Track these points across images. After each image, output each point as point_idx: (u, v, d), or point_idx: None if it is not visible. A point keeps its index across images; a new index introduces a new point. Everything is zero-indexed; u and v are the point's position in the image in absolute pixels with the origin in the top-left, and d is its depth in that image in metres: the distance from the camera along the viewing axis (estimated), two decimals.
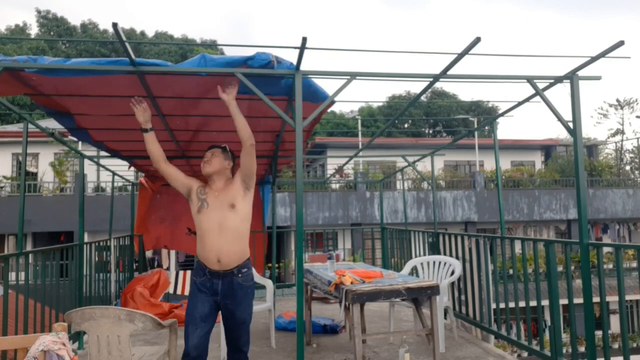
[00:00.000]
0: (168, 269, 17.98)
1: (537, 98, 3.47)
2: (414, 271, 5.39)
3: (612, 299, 13.23)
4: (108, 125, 4.18)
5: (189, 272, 8.68)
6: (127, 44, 2.65)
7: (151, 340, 5.19)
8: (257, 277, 5.11)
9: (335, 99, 3.25)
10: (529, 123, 64.77)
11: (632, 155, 32.97)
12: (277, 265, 14.37)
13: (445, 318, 5.09)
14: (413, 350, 4.37)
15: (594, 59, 3.09)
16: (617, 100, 33.36)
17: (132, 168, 6.13)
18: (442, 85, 37.85)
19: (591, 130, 63.16)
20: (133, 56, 2.77)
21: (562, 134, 30.78)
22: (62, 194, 18.06)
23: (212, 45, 38.31)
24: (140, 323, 2.71)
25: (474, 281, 5.00)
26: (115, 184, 11.39)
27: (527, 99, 3.83)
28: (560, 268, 14.42)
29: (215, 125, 4.26)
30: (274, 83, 3.21)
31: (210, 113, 3.86)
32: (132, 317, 2.69)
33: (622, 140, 32.31)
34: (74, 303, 4.97)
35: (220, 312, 2.97)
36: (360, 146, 21.70)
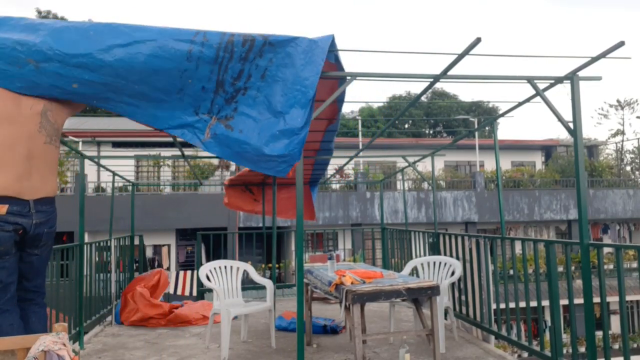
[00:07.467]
0: (168, 269, 17.99)
1: (538, 98, 3.48)
2: (414, 271, 5.39)
3: (613, 299, 13.22)
4: None
5: (189, 272, 8.71)
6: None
7: (151, 341, 5.20)
8: (258, 278, 5.11)
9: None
10: (529, 123, 64.59)
11: (632, 155, 32.98)
12: (277, 265, 14.38)
13: (446, 318, 5.09)
14: (413, 351, 4.37)
15: (594, 60, 3.09)
16: (618, 101, 33.41)
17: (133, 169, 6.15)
18: (442, 85, 37.82)
19: (591, 130, 62.98)
20: None
21: (562, 135, 30.77)
22: (62, 194, 18.04)
23: None
24: None
25: (474, 281, 5.00)
26: (116, 184, 11.39)
27: (528, 100, 3.83)
28: (560, 268, 14.42)
29: None
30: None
31: None
32: None
33: (622, 141, 32.33)
34: (74, 303, 4.97)
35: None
36: (360, 146, 21.70)
